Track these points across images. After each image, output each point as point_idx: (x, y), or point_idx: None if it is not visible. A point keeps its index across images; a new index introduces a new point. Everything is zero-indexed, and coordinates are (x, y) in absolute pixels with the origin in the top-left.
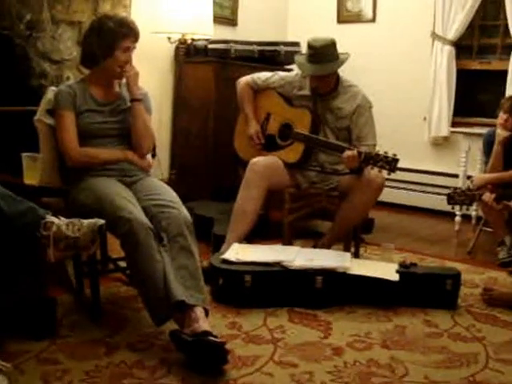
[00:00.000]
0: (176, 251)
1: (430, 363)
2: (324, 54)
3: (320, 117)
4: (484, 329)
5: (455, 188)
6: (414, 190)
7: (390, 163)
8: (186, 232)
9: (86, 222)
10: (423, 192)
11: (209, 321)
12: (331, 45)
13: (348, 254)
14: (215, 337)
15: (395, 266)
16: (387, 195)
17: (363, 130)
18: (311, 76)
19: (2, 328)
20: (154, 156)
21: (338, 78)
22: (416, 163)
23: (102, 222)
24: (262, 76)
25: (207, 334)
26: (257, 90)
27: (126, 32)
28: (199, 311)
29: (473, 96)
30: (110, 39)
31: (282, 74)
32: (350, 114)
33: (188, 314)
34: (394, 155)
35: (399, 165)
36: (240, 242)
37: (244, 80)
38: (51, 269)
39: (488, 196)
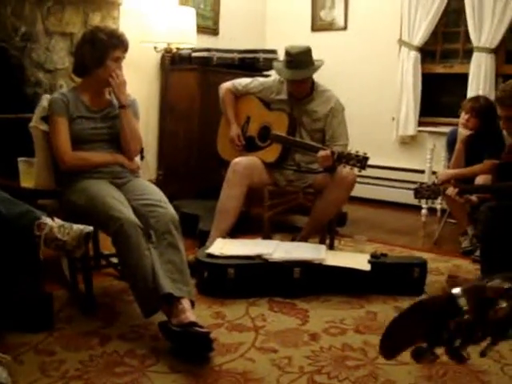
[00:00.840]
0: (164, 247)
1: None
2: (300, 61)
3: (296, 119)
4: None
5: (421, 183)
6: (384, 186)
7: (361, 161)
8: (172, 229)
9: (75, 226)
10: (392, 187)
11: (195, 311)
12: (307, 52)
13: (323, 247)
14: (201, 327)
15: (367, 257)
16: (359, 190)
17: (336, 131)
18: (288, 81)
19: (2, 322)
20: (142, 158)
21: (313, 83)
22: (386, 160)
23: (89, 228)
24: (243, 82)
25: (193, 324)
26: (237, 95)
27: (117, 43)
28: (186, 303)
29: (437, 97)
30: (101, 50)
31: (260, 79)
32: (324, 117)
33: (175, 306)
34: (365, 154)
35: (370, 162)
36: (223, 237)
37: (225, 86)
38: (48, 266)
39: (451, 190)
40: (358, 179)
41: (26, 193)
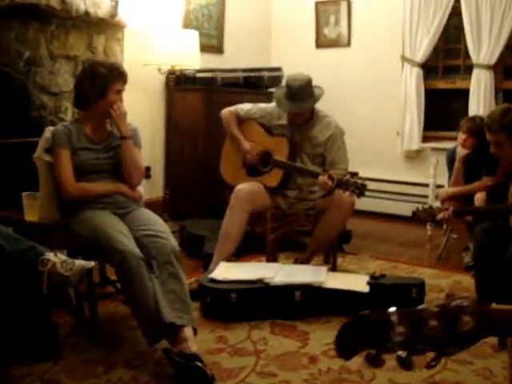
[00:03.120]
0: (165, 277)
1: (395, 367)
2: (301, 93)
3: (297, 144)
4: None
5: (418, 206)
6: (390, 199)
7: (359, 188)
8: (173, 260)
9: (77, 262)
10: (398, 200)
11: (198, 336)
12: (308, 84)
13: (324, 269)
14: (201, 361)
15: (366, 278)
16: (365, 204)
17: (336, 156)
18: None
19: (8, 353)
20: (148, 177)
21: (313, 109)
22: (391, 174)
23: (91, 264)
24: (244, 107)
25: (194, 357)
26: (239, 119)
27: (117, 76)
28: (188, 331)
29: (441, 112)
30: (102, 84)
31: (261, 105)
32: (324, 143)
33: (177, 334)
34: (363, 181)
35: (376, 176)
36: (228, 259)
37: (227, 110)
38: (54, 293)
39: (442, 214)
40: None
41: (30, 227)
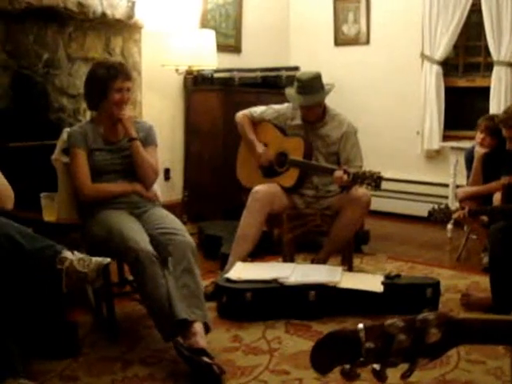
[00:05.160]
0: (180, 272)
1: (406, 366)
2: (310, 86)
3: (311, 144)
4: None
5: (434, 206)
6: (410, 200)
7: (376, 180)
8: (189, 255)
9: (94, 259)
10: (418, 201)
11: (213, 334)
12: (317, 78)
13: (339, 269)
14: (209, 355)
15: (381, 278)
16: (384, 205)
17: (351, 154)
18: (300, 106)
19: (29, 350)
20: (168, 179)
21: (324, 107)
22: (411, 174)
23: (107, 260)
24: (258, 109)
25: (202, 352)
26: (254, 122)
27: (115, 74)
28: (198, 326)
29: (461, 111)
30: (102, 83)
31: (275, 106)
32: (337, 141)
33: (188, 329)
34: (379, 173)
35: (396, 176)
36: (244, 260)
37: (241, 113)
38: (73, 293)
39: (458, 213)
40: (384, 194)
41: (48, 227)
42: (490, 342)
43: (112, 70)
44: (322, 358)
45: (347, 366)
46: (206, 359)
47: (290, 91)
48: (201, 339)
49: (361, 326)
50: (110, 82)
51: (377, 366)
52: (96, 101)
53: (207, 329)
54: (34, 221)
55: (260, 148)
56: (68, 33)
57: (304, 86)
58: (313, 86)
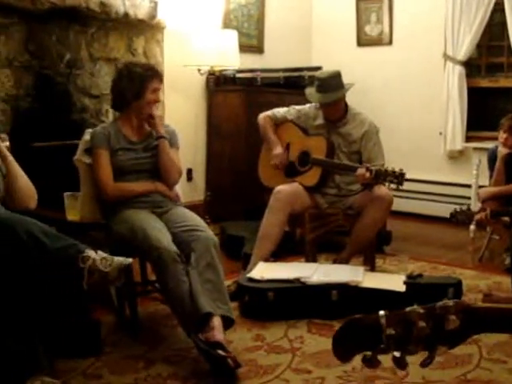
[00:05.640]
0: (203, 268)
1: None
2: (329, 84)
3: (333, 143)
4: None
5: (456, 208)
6: (432, 200)
7: (398, 177)
8: (212, 250)
9: (116, 259)
10: (441, 202)
11: (235, 334)
12: (336, 75)
13: (361, 269)
14: (225, 349)
15: (403, 278)
16: (407, 205)
17: (372, 152)
18: (321, 104)
19: (53, 348)
20: (190, 180)
21: (346, 106)
22: (434, 175)
23: (128, 261)
24: (280, 110)
25: (218, 345)
26: (276, 123)
27: (153, 74)
28: (217, 321)
29: (484, 111)
30: (139, 82)
31: (297, 107)
32: (359, 139)
33: (207, 323)
34: (401, 170)
35: (419, 177)
36: (266, 260)
37: (263, 114)
38: (97, 293)
39: (479, 215)
40: (407, 194)
41: (71, 226)
42: (508, 331)
43: (149, 71)
44: (344, 345)
45: (368, 353)
46: (221, 352)
47: (310, 90)
48: (218, 333)
49: (382, 312)
50: (146, 82)
51: (397, 354)
52: (129, 100)
53: (231, 322)
54: (57, 220)
55: (277, 149)
56: (90, 33)
57: (323, 84)
58: (332, 84)
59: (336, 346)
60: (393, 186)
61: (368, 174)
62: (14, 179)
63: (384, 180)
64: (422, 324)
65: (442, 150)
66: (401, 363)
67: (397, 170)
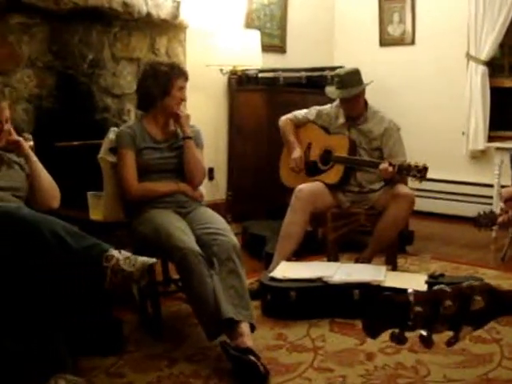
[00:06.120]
0: (225, 273)
1: (450, 364)
2: (348, 80)
3: (355, 140)
4: (503, 331)
5: (480, 212)
6: (454, 200)
7: (421, 171)
8: (234, 256)
9: (139, 258)
10: (463, 201)
11: (258, 333)
12: (355, 72)
13: (383, 268)
14: (255, 355)
15: (425, 277)
16: (429, 205)
17: (394, 149)
18: (341, 101)
19: (76, 347)
20: (212, 179)
21: (366, 104)
22: (456, 175)
23: (152, 260)
24: (302, 112)
25: (249, 351)
26: (298, 124)
27: (179, 72)
28: (245, 326)
29: (508, 111)
30: (166, 80)
31: (318, 107)
32: (379, 136)
33: (235, 329)
34: (424, 164)
35: (441, 176)
36: (288, 259)
37: (284, 117)
38: (119, 292)
39: (502, 217)
40: (430, 194)
41: (95, 226)
42: None
43: (175, 69)
44: (373, 322)
45: (396, 331)
46: (252, 358)
47: (330, 88)
48: (248, 339)
49: (410, 290)
50: (172, 80)
51: (424, 332)
52: (156, 98)
53: (252, 328)
54: (80, 219)
55: (295, 152)
56: (113, 33)
57: (342, 81)
58: (351, 80)
59: (365, 322)
60: (415, 180)
61: (391, 169)
62: (37, 179)
63: (407, 174)
64: (448, 303)
65: (465, 150)
66: (427, 341)
67: (420, 164)
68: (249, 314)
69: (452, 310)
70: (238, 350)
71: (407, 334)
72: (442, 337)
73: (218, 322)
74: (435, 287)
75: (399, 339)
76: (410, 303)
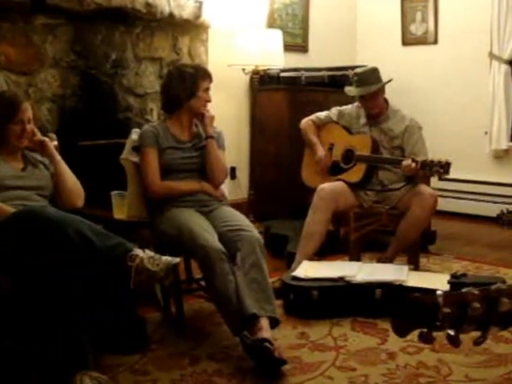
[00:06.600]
0: (248, 267)
1: (472, 363)
2: (366, 78)
3: (377, 139)
4: None
5: (503, 210)
6: (478, 200)
7: (444, 167)
8: (257, 250)
9: (164, 258)
10: (486, 201)
11: (280, 331)
12: (373, 70)
13: (406, 268)
14: (271, 343)
15: (447, 277)
16: (452, 205)
17: (415, 148)
18: (360, 100)
19: (100, 345)
20: (234, 178)
21: (387, 103)
22: (478, 175)
23: (176, 260)
24: (323, 113)
25: (264, 340)
26: (319, 125)
27: (204, 74)
28: (265, 322)
29: None
30: (191, 82)
31: (339, 108)
32: (400, 134)
33: (254, 324)
34: (447, 160)
35: (463, 176)
36: (310, 258)
37: (306, 119)
38: (142, 291)
39: None
40: (453, 194)
41: (118, 225)
42: None
43: (200, 71)
44: (402, 321)
45: (424, 330)
46: (267, 344)
47: (349, 87)
48: (266, 333)
49: (439, 292)
50: (198, 82)
51: (451, 332)
52: (182, 100)
53: (276, 322)
54: (104, 218)
55: (320, 151)
56: (136, 33)
57: (361, 79)
58: (369, 77)
59: (394, 322)
60: (438, 176)
61: (414, 165)
62: (62, 178)
63: (430, 170)
64: (476, 305)
65: (488, 150)
66: (455, 341)
67: (442, 159)
68: (272, 309)
69: (480, 312)
70: (254, 340)
71: (434, 334)
72: (464, 337)
73: (241, 317)
74: (463, 289)
75: (427, 339)
76: (438, 304)
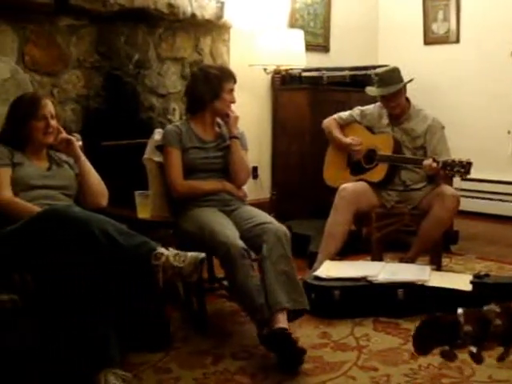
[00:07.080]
0: (275, 258)
1: (495, 364)
2: (387, 78)
3: (399, 139)
4: None
5: None
6: (500, 200)
7: (465, 167)
8: (283, 241)
9: (189, 254)
10: (509, 201)
11: (302, 331)
12: (394, 70)
13: (428, 268)
14: (287, 330)
15: (470, 277)
16: (474, 205)
17: (437, 147)
18: (382, 100)
19: (125, 343)
20: (256, 177)
21: (409, 102)
22: (501, 175)
23: (202, 255)
24: (345, 112)
25: (281, 328)
26: (342, 125)
27: (228, 75)
28: (282, 316)
29: None
30: (216, 83)
31: (361, 107)
32: (423, 134)
33: (273, 316)
34: (468, 159)
35: (485, 176)
36: (332, 258)
37: (328, 118)
38: (166, 290)
39: None
40: (476, 194)
41: (142, 224)
42: None
43: (224, 72)
44: (423, 339)
45: (446, 348)
46: (283, 330)
47: (370, 88)
48: (283, 324)
49: (460, 310)
50: (223, 83)
51: (473, 349)
52: (206, 101)
53: (303, 312)
54: (128, 217)
55: (349, 140)
56: (158, 33)
57: (382, 79)
58: (390, 77)
59: (416, 340)
60: (460, 175)
61: (435, 164)
62: (86, 178)
63: (451, 170)
64: (498, 322)
65: (510, 149)
66: (477, 357)
67: (463, 159)
68: (304, 300)
69: (502, 328)
70: (273, 329)
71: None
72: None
73: (263, 312)
74: (485, 307)
75: (449, 356)
76: (459, 322)
